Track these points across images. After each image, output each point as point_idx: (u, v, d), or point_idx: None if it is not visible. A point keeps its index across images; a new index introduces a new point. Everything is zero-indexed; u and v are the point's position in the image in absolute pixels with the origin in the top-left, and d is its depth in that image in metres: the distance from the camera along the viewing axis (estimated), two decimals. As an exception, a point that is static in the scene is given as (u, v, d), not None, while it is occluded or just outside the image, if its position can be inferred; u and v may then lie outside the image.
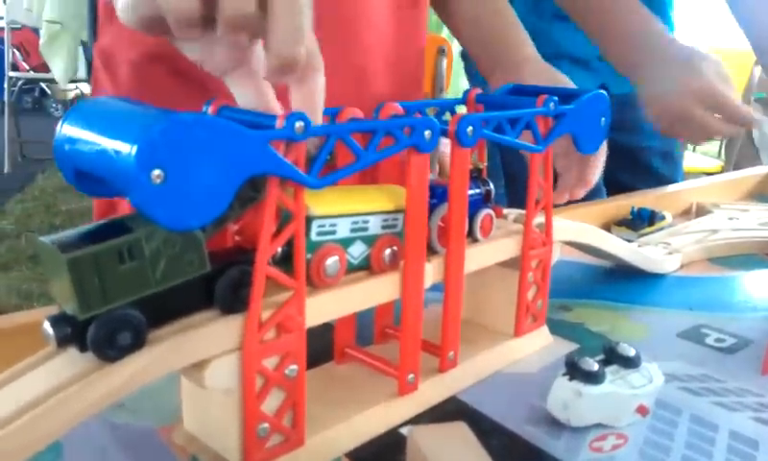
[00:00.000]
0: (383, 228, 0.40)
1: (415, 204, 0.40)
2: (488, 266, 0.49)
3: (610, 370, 0.43)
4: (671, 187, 0.97)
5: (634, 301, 0.63)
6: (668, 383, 0.47)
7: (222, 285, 0.33)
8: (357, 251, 0.39)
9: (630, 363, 0.43)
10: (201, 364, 0.33)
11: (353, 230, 0.39)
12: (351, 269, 0.39)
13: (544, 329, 0.53)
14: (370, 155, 0.37)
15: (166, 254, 0.31)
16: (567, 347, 0.53)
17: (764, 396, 0.46)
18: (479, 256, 0.47)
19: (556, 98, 0.47)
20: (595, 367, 0.42)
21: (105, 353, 0.30)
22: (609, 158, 0.68)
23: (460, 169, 0.42)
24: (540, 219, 0.50)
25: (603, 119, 0.51)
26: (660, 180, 1.08)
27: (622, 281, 0.67)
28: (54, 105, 5.80)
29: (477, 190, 0.48)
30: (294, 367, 0.36)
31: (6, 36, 4.46)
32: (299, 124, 0.33)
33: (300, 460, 0.37)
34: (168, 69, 0.60)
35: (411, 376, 0.43)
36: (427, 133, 0.39)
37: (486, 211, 0.47)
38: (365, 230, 0.39)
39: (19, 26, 4.46)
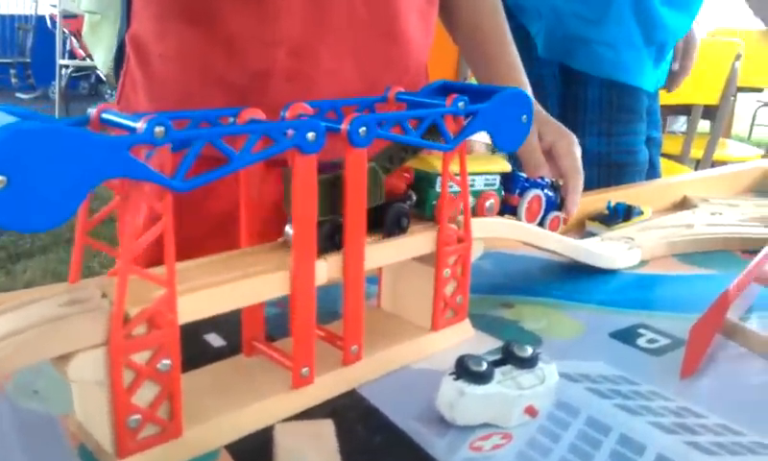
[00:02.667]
0: (485, 185, 0.55)
1: (302, 203, 0.41)
2: (407, 260, 0.50)
3: (502, 370, 0.43)
4: (662, 181, 0.95)
5: (578, 298, 0.62)
6: (577, 384, 0.47)
7: (390, 215, 0.47)
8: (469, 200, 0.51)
9: (524, 363, 0.43)
10: (66, 356, 0.35)
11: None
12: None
13: (465, 324, 0.54)
14: (245, 157, 0.38)
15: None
16: (491, 343, 0.53)
17: (673, 400, 0.46)
18: (393, 252, 0.48)
19: (465, 97, 0.47)
20: (483, 367, 0.42)
21: (326, 249, 0.44)
22: None
23: (354, 169, 0.43)
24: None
25: (524, 117, 0.51)
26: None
27: (571, 278, 0.66)
28: (109, 91, 5.99)
29: (552, 194, 0.64)
30: (167, 361, 0.37)
31: (58, 23, 4.62)
32: (158, 129, 0.34)
33: (176, 451, 0.38)
34: (196, 68, 0.62)
35: (305, 369, 0.44)
36: (310, 134, 0.40)
37: (554, 214, 0.64)
38: (473, 185, 0.54)
39: (73, 15, 4.62)
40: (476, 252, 0.53)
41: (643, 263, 0.71)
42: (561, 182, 0.68)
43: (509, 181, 0.60)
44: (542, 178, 0.65)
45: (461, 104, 0.47)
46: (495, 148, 0.51)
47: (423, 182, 0.51)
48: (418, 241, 0.49)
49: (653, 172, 1.14)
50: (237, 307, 0.41)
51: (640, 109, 1.06)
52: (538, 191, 0.62)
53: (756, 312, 0.60)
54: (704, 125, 2.45)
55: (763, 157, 2.54)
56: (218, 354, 0.48)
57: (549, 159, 0.73)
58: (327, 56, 0.66)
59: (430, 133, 0.46)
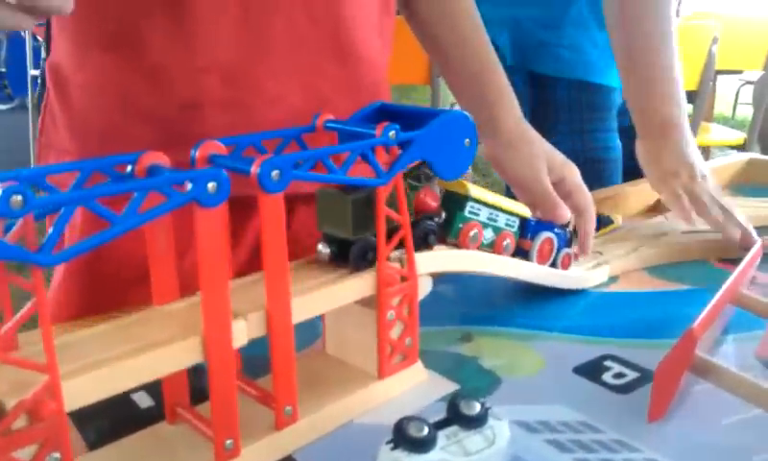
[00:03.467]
0: (506, 224, 0.56)
1: (208, 262, 0.36)
2: (347, 305, 0.45)
3: (446, 432, 0.39)
4: (640, 182, 0.90)
5: (542, 326, 0.58)
6: (535, 435, 0.43)
7: (417, 233, 0.48)
8: (489, 234, 0.55)
9: (471, 423, 0.39)
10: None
11: (489, 218, 0.55)
12: (482, 247, 0.55)
13: (417, 368, 0.49)
14: (129, 219, 0.33)
15: (392, 206, 0.45)
16: (446, 387, 0.49)
17: (640, 450, 0.41)
18: (324, 301, 0.44)
19: (397, 125, 0.42)
20: (424, 432, 0.38)
21: (358, 265, 0.45)
22: None
23: (269, 218, 0.38)
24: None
25: (467, 141, 0.46)
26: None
27: (536, 302, 0.62)
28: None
29: (562, 232, 0.62)
30: (55, 456, 0.33)
31: (27, 33, 4.52)
32: (14, 199, 0.29)
33: None
34: (118, 100, 0.57)
35: (229, 441, 0.39)
36: (211, 185, 0.35)
37: (565, 251, 0.63)
38: (495, 221, 0.55)
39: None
40: (424, 288, 0.49)
41: (613, 280, 0.67)
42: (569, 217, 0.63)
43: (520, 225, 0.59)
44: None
45: (392, 133, 0.42)
46: (435, 175, 0.46)
47: (453, 205, 0.53)
48: (355, 285, 0.45)
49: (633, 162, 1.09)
50: (141, 384, 0.37)
51: (611, 106, 1.02)
52: (549, 233, 0.61)
53: (732, 333, 0.56)
54: (688, 108, 2.41)
55: (745, 141, 2.51)
56: (145, 417, 0.44)
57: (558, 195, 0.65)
58: (268, 80, 0.59)
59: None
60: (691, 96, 2.22)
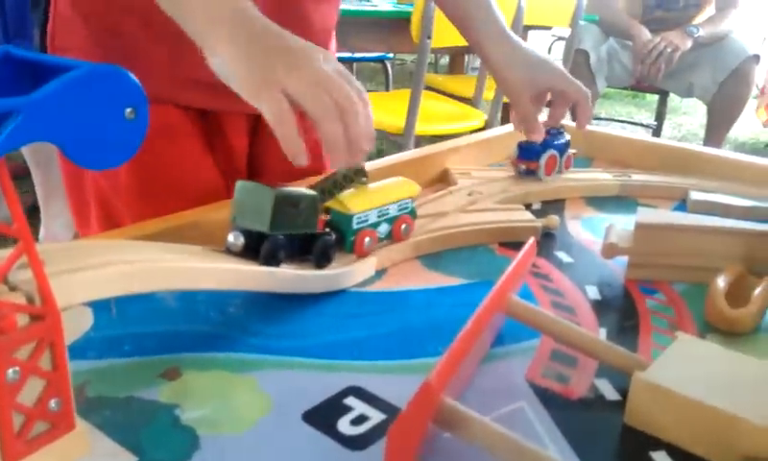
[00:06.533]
0: (399, 210, 0.57)
1: None
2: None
3: None
4: (419, 151, 0.80)
5: (279, 346, 0.45)
6: None
7: (317, 246, 0.51)
8: (383, 229, 0.56)
9: None
10: None
11: (379, 216, 0.55)
12: (380, 240, 0.56)
13: (75, 437, 0.34)
14: None
15: (306, 213, 0.49)
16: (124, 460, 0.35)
17: None
18: None
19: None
20: None
21: (269, 263, 0.47)
22: None
23: None
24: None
25: (129, 111, 0.31)
26: None
27: (277, 310, 0.49)
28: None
29: (559, 135, 0.77)
30: None
31: None
32: None
33: None
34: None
35: None
36: None
37: (566, 154, 0.78)
38: (386, 214, 0.56)
39: None
40: (81, 323, 0.34)
41: (380, 275, 0.56)
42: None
43: (525, 152, 0.75)
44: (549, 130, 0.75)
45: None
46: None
47: (341, 221, 0.54)
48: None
49: None
50: None
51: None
52: (551, 151, 0.75)
53: (505, 345, 0.47)
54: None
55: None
56: None
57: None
58: None
59: None
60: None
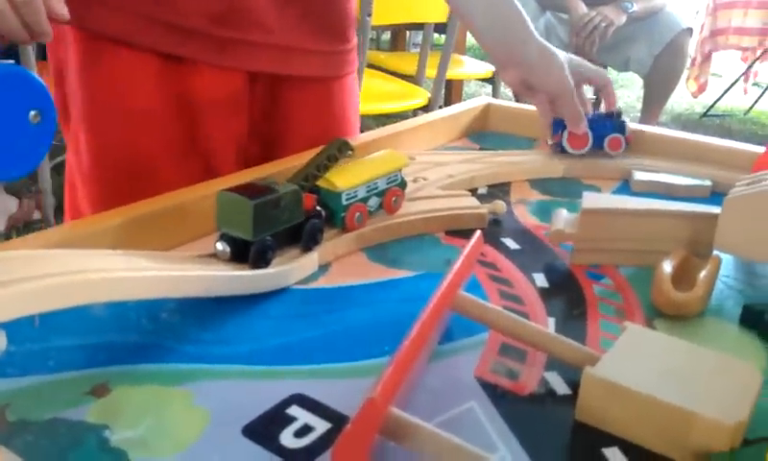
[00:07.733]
0: (388, 183, 0.58)
1: None
2: None
3: None
4: (364, 136, 0.78)
5: (220, 354, 0.43)
6: None
7: (306, 231, 0.51)
8: (373, 202, 0.58)
9: None
10: None
11: (368, 191, 0.57)
12: (371, 214, 0.58)
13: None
14: None
15: (289, 208, 0.50)
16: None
17: None
18: None
19: None
20: None
21: (258, 265, 0.48)
22: None
23: None
24: None
25: (34, 114, 0.28)
26: None
27: (219, 313, 0.46)
28: None
29: (606, 118, 0.80)
30: None
31: None
32: None
33: None
34: None
35: None
36: None
37: (612, 136, 0.79)
38: (375, 188, 0.57)
39: None
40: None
41: (324, 270, 0.53)
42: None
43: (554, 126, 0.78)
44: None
45: None
46: None
47: (331, 199, 0.55)
48: None
49: None
50: None
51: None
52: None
53: (454, 340, 0.45)
54: (440, 40, 2.39)
55: (494, 73, 2.57)
56: None
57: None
58: None
59: None
60: (442, 28, 2.20)
